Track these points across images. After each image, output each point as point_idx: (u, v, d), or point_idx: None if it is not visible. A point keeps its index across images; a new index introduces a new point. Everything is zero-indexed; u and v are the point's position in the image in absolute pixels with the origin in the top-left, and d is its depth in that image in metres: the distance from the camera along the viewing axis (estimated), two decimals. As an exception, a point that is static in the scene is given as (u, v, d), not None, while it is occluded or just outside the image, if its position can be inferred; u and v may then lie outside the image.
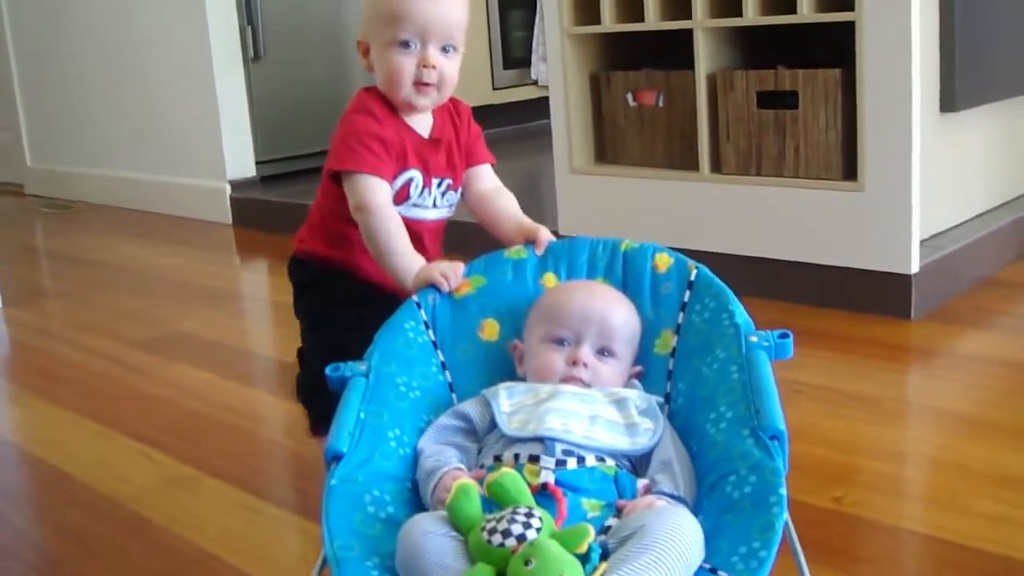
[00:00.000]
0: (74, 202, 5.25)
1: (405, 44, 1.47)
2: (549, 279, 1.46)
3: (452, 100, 1.60)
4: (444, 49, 1.48)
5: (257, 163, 4.50)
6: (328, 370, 1.28)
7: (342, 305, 1.57)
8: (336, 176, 1.50)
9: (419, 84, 1.48)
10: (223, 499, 1.85)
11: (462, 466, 1.19)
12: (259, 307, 3.29)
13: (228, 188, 4.41)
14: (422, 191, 1.53)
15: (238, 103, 4.41)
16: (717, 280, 1.37)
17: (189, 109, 4.51)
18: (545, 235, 1.49)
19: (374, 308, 1.38)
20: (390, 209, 1.46)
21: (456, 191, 1.59)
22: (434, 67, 1.47)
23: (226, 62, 4.35)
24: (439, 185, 1.55)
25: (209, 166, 4.47)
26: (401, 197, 1.50)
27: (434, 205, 1.56)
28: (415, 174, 1.51)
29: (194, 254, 3.94)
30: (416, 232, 1.51)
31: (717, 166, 2.77)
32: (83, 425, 2.26)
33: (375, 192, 1.45)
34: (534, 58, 5.29)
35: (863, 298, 2.53)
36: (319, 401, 1.64)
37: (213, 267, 3.73)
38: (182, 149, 4.61)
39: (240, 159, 4.45)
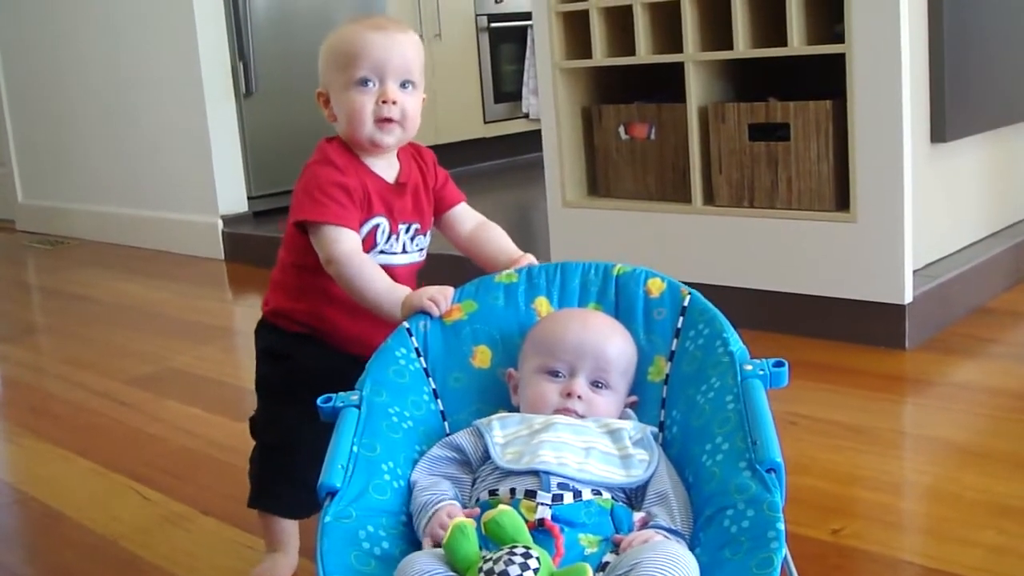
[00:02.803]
0: (66, 238, 5.24)
1: (363, 82, 1.47)
2: (541, 303, 1.45)
3: (415, 146, 1.60)
4: (403, 86, 1.49)
5: (249, 198, 4.50)
6: (319, 401, 1.27)
7: (308, 382, 1.49)
8: (301, 226, 1.48)
9: (381, 121, 1.47)
10: (217, 537, 1.83)
11: (456, 502, 1.18)
12: (251, 342, 3.26)
13: (220, 223, 4.40)
14: (389, 237, 1.51)
15: (230, 138, 4.42)
16: (711, 306, 1.36)
17: (181, 144, 4.51)
18: (528, 259, 1.50)
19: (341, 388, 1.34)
20: (360, 255, 1.45)
21: (425, 235, 1.58)
22: (394, 102, 1.47)
23: (218, 98, 4.37)
24: (407, 231, 1.54)
25: (201, 201, 4.47)
26: (368, 245, 1.49)
27: (403, 250, 1.54)
28: (381, 220, 1.50)
29: (186, 289, 3.93)
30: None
31: (710, 198, 2.77)
32: (75, 462, 2.24)
33: (342, 242, 1.44)
34: (525, 91, 5.31)
35: (857, 329, 2.52)
36: (267, 478, 1.62)
37: (205, 302, 3.72)
38: (174, 184, 4.61)
39: (232, 194, 4.45)
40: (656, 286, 1.42)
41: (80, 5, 4.85)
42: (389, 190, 1.52)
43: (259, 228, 4.34)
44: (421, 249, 1.58)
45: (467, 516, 1.15)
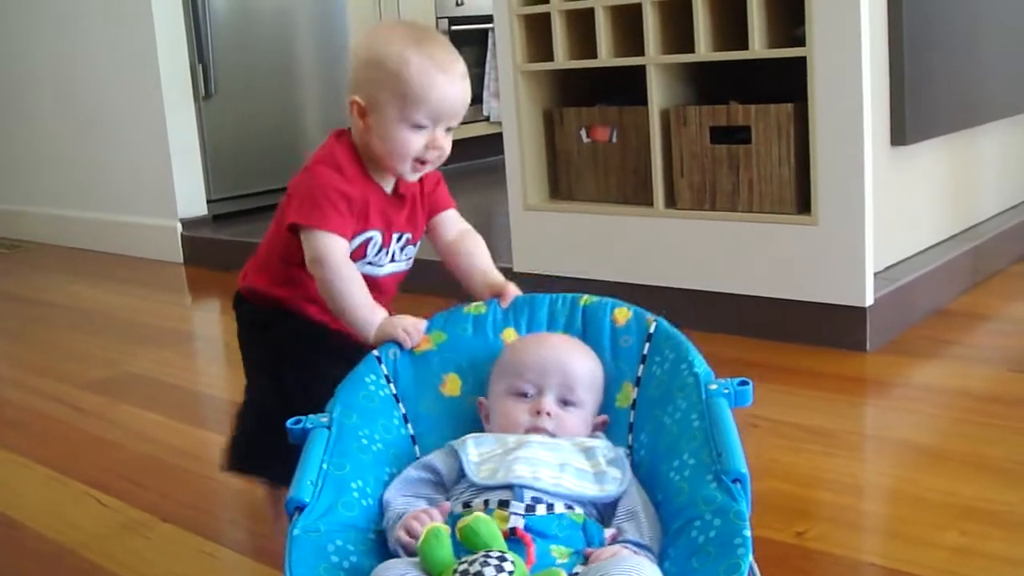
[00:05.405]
0: (22, 242, 5.18)
1: (419, 126, 1.45)
2: (509, 334, 1.46)
3: None
4: (448, 129, 1.49)
5: (208, 201, 4.47)
6: (289, 423, 1.27)
7: (290, 347, 1.54)
8: (294, 225, 1.48)
9: (418, 161, 1.47)
10: (177, 544, 1.81)
11: (430, 508, 1.17)
12: (211, 347, 3.25)
13: (179, 227, 4.36)
14: (380, 250, 1.52)
15: (189, 141, 4.38)
16: (676, 332, 1.38)
17: (140, 147, 4.47)
18: (512, 290, 1.49)
19: (324, 353, 1.34)
20: (348, 265, 1.44)
21: (414, 245, 1.59)
22: (441, 148, 1.47)
23: (177, 100, 4.32)
24: (398, 240, 1.54)
25: (160, 205, 4.42)
26: (357, 255, 1.49)
27: (392, 260, 1.55)
28: (375, 234, 1.50)
29: (145, 294, 3.89)
30: (370, 286, 1.50)
31: (671, 201, 2.77)
32: (32, 469, 2.21)
33: (333, 248, 1.43)
34: (486, 95, 5.31)
35: (818, 331, 2.53)
36: (247, 460, 1.62)
37: (164, 307, 3.69)
38: (132, 188, 4.57)
39: (191, 197, 4.41)
40: (622, 315, 1.43)
41: (35, 5, 4.79)
42: (389, 203, 1.52)
43: (218, 232, 4.30)
44: (409, 258, 1.59)
45: (439, 513, 1.15)
